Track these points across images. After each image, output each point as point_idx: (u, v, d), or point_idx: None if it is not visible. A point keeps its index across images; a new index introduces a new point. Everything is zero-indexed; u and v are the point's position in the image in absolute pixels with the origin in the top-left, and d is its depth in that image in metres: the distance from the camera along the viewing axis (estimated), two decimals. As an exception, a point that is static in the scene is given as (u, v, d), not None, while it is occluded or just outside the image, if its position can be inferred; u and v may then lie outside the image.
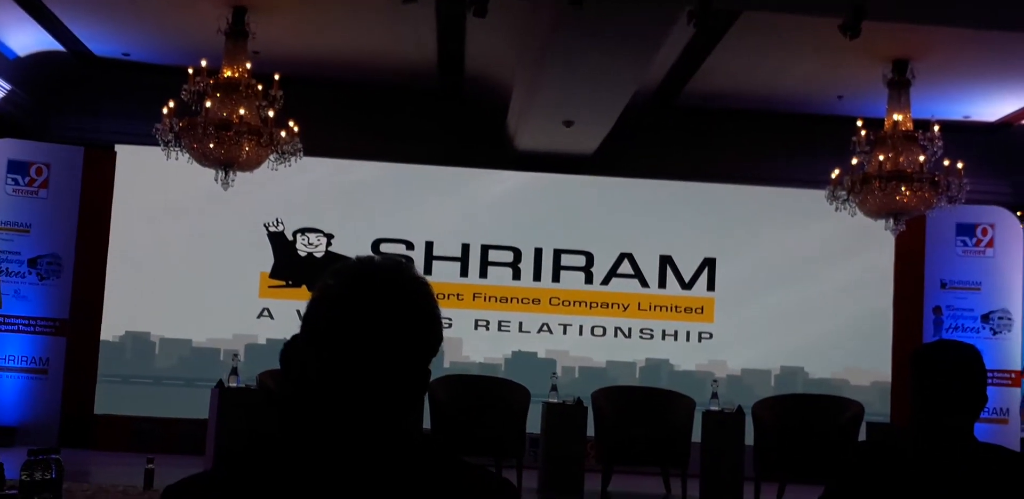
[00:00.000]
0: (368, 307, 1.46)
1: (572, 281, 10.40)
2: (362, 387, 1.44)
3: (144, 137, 8.26)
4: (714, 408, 8.09)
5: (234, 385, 7.64)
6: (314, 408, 1.47)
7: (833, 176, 8.81)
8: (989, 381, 2.67)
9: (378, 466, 1.45)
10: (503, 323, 10.31)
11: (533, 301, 10.35)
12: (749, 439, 7.96)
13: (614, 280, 10.42)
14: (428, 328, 1.49)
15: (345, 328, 1.46)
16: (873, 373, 10.21)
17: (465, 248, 10.34)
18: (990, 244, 10.36)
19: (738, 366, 10.26)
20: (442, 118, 10.49)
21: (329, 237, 10.09)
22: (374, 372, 1.44)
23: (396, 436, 1.48)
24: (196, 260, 9.95)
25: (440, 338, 1.53)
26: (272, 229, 10.04)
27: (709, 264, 10.47)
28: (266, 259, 10.06)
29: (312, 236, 10.06)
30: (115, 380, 9.69)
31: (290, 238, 10.07)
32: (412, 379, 1.48)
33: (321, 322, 1.48)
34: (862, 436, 8.37)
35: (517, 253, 10.37)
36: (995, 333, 10.13)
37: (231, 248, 10.01)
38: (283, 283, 10.03)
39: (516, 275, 10.36)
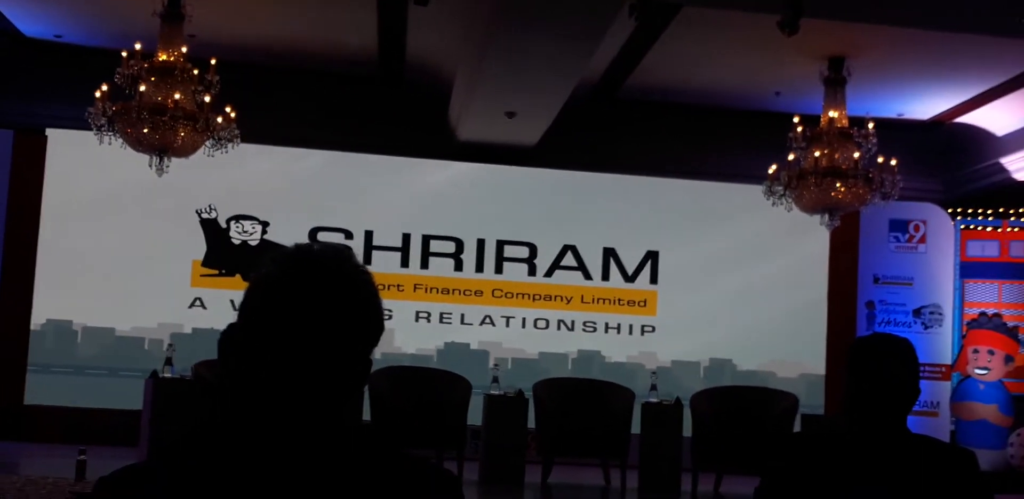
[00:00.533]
0: (307, 294, 1.42)
1: (515, 273, 10.39)
2: (300, 377, 1.41)
3: (77, 121, 8.06)
4: (652, 400, 8.15)
5: (168, 375, 7.52)
6: (251, 398, 1.43)
7: (770, 171, 8.90)
8: (921, 375, 2.71)
9: (317, 457, 1.42)
10: (444, 315, 10.26)
11: (475, 293, 10.32)
12: (687, 430, 8.04)
13: (557, 272, 10.43)
14: (368, 317, 1.46)
15: (283, 316, 1.42)
16: (803, 365, 10.35)
17: (406, 238, 10.27)
18: (922, 240, 10.55)
19: (668, 358, 10.33)
20: (383, 106, 10.38)
21: (264, 225, 9.95)
22: (312, 361, 1.41)
23: (335, 426, 1.46)
24: (128, 248, 9.73)
25: (381, 327, 1.50)
26: (204, 216, 9.86)
27: (652, 257, 10.52)
28: (199, 247, 9.89)
29: (247, 224, 9.91)
30: (42, 370, 9.50)
31: (223, 225, 9.91)
32: (352, 369, 1.45)
33: (258, 310, 1.44)
34: (797, 428, 8.48)
35: (459, 244, 10.33)
36: (926, 328, 10.32)
37: (164, 235, 9.81)
38: (216, 271, 9.87)
39: (458, 266, 10.32)
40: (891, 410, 2.70)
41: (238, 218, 9.93)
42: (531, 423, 8.08)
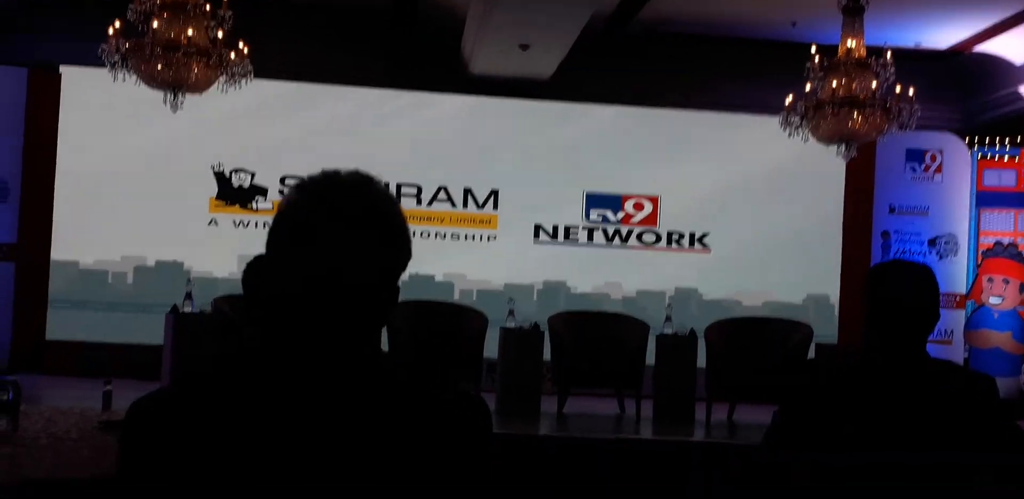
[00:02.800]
0: (335, 218, 1.42)
1: (511, 207, 10.45)
2: (328, 303, 1.42)
3: (91, 58, 8.02)
4: (667, 331, 8.21)
5: (189, 311, 7.60)
6: (280, 326, 1.45)
7: (787, 102, 8.82)
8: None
9: (349, 383, 1.43)
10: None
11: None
12: (701, 362, 8.12)
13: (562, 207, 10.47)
14: (396, 241, 1.47)
15: (310, 239, 1.42)
16: (816, 297, 10.39)
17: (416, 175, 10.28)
18: (939, 170, 10.49)
19: (633, 289, 10.38)
20: (395, 40, 10.30)
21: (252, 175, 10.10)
22: (340, 287, 1.42)
23: (367, 353, 1.47)
24: (146, 183, 9.82)
25: (409, 253, 1.51)
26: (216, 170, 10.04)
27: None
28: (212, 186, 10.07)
29: (243, 174, 10.07)
30: (62, 306, 9.62)
31: (227, 176, 10.06)
32: (380, 295, 1.46)
33: (286, 235, 1.45)
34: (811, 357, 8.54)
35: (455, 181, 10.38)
36: (941, 257, 10.32)
37: (181, 170, 9.91)
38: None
39: (462, 202, 10.39)
40: (911, 334, 2.72)
41: (237, 170, 10.02)
42: (547, 356, 8.17)
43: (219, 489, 1.35)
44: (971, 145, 10.45)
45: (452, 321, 8.26)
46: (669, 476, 6.12)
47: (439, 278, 10.18)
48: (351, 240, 1.42)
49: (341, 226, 1.42)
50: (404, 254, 1.48)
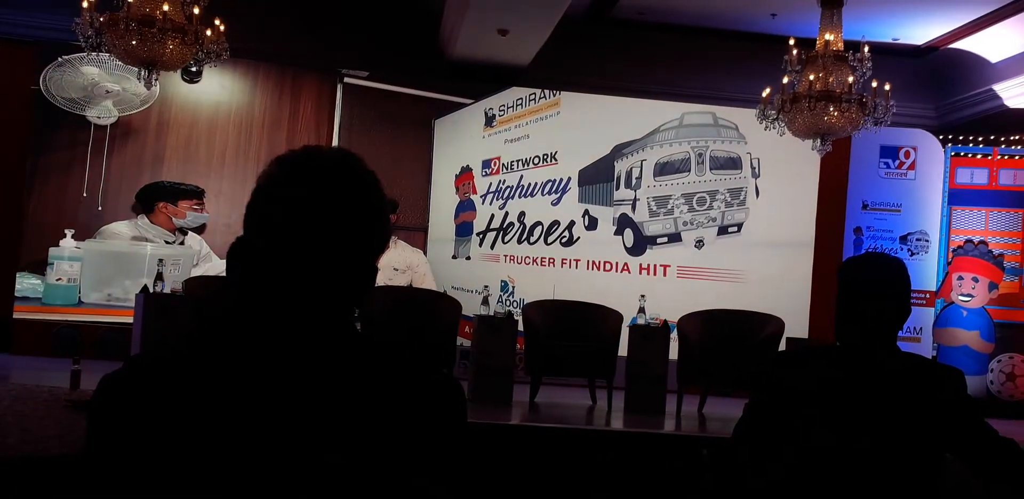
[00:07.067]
0: (313, 192, 1.40)
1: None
2: (303, 279, 1.39)
3: (64, 32, 7.91)
4: (640, 322, 8.23)
5: (159, 290, 7.53)
6: (251, 299, 1.42)
7: (764, 95, 8.84)
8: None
9: (323, 359, 1.42)
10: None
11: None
12: (674, 353, 8.14)
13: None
14: (375, 218, 1.45)
15: (286, 213, 1.40)
16: (786, 291, 10.45)
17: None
18: (912, 166, 10.55)
19: None
20: (373, 24, 10.23)
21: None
22: (316, 262, 1.39)
23: (341, 330, 1.45)
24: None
25: (388, 234, 1.49)
26: None
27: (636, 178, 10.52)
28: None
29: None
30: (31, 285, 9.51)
31: None
32: (357, 273, 1.44)
33: (262, 208, 1.42)
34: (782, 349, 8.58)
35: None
36: (912, 254, 10.39)
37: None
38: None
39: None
40: (881, 326, 2.73)
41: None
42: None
43: (189, 463, 1.32)
44: (945, 143, 10.51)
45: (427, 308, 8.24)
46: (639, 466, 6.14)
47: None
48: (326, 213, 1.40)
49: (316, 198, 1.39)
50: (381, 232, 1.46)
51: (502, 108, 10.48)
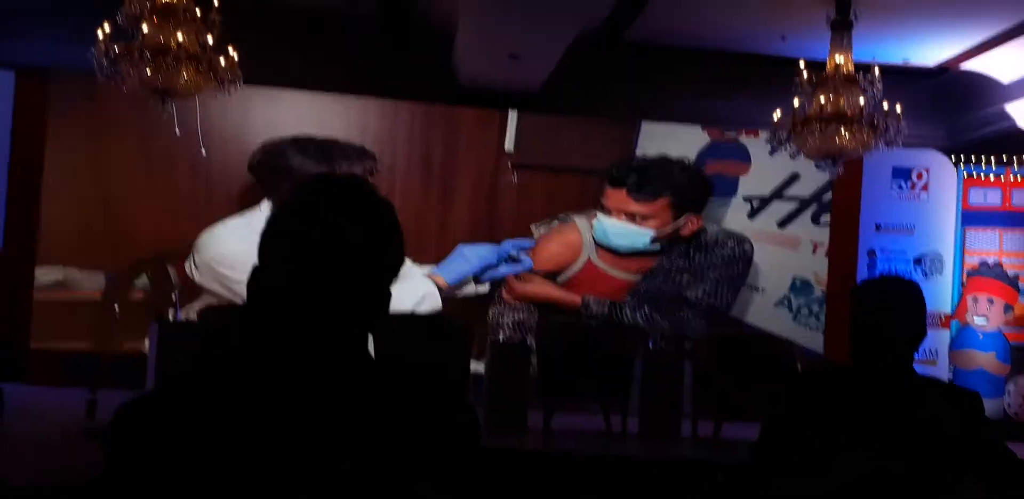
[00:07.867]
0: (326, 216, 1.42)
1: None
2: (316, 299, 1.41)
3: (79, 62, 7.98)
4: (655, 346, 8.20)
5: (174, 319, 7.54)
6: (267, 326, 1.43)
7: (775, 117, 8.85)
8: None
9: (338, 384, 1.42)
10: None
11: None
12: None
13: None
14: (389, 244, 1.46)
15: (302, 238, 1.42)
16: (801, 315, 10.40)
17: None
18: (924, 188, 10.54)
19: None
20: (385, 49, 10.29)
21: None
22: (330, 288, 1.41)
23: (356, 356, 1.46)
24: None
25: (402, 259, 1.50)
26: None
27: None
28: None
29: None
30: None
31: None
32: (370, 299, 1.45)
33: (276, 233, 1.44)
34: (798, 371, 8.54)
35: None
36: (926, 276, 10.35)
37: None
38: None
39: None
40: (897, 349, 2.71)
41: None
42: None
43: (206, 491, 1.32)
44: (957, 163, 10.50)
45: (438, 333, 8.21)
46: (654, 492, 6.10)
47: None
48: (340, 239, 1.41)
49: (331, 224, 1.41)
50: (394, 258, 1.47)
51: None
